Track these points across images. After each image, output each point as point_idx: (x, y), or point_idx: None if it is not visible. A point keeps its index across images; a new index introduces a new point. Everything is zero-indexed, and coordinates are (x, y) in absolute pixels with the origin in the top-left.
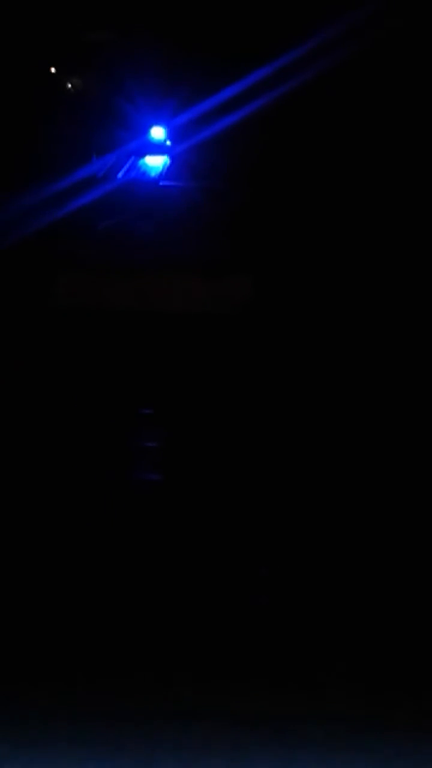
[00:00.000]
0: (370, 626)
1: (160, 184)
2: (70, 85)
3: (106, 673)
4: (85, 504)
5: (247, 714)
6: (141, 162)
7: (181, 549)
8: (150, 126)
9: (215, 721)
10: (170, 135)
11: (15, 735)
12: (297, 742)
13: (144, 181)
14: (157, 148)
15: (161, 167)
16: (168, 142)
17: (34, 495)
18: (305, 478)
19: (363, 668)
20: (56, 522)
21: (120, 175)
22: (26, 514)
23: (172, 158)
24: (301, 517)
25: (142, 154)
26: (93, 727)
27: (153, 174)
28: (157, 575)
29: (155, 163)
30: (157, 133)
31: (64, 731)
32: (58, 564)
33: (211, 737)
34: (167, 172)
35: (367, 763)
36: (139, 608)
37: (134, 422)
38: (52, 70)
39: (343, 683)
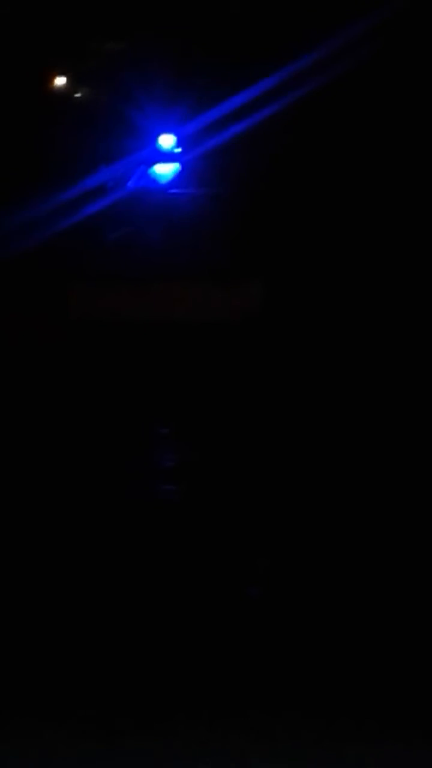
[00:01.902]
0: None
1: (170, 192)
2: (78, 94)
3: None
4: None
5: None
6: (150, 170)
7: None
8: (159, 134)
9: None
10: (179, 143)
11: None
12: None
13: (154, 189)
14: (166, 156)
15: (171, 175)
16: (177, 150)
17: (49, 512)
18: (317, 491)
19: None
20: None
21: (129, 183)
22: (41, 534)
23: (182, 166)
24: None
25: (152, 163)
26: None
27: (162, 182)
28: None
29: (165, 171)
30: (166, 141)
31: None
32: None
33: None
34: (177, 180)
35: None
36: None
37: (150, 441)
38: (61, 79)
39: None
